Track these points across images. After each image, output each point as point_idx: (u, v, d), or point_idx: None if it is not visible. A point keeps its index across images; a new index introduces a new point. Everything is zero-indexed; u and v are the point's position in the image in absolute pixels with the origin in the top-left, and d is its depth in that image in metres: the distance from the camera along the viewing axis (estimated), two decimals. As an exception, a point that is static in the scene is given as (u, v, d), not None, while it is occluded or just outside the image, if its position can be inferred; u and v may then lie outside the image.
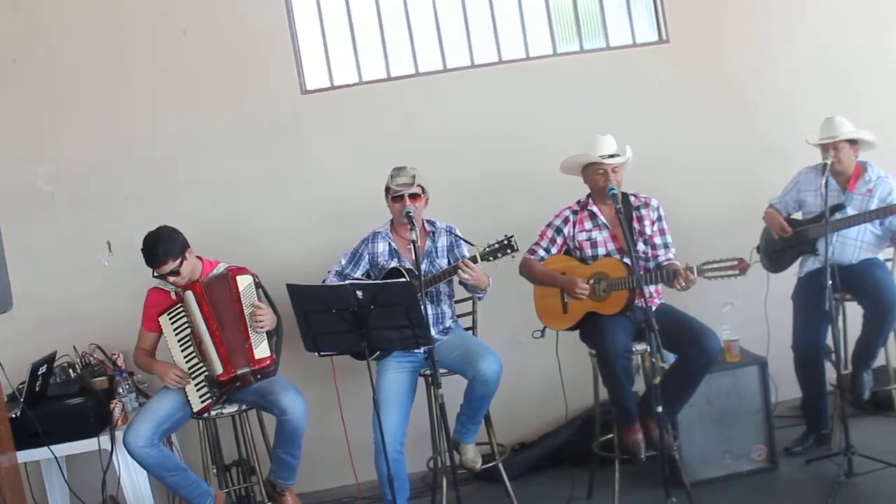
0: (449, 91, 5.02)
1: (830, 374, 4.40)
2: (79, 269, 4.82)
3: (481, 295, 4.18)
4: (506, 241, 3.86)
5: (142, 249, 3.89)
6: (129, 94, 4.83)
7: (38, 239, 4.75)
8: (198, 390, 3.91)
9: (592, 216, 4.16)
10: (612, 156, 4.01)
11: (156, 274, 3.91)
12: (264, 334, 3.90)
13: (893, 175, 4.31)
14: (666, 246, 4.12)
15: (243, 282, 3.92)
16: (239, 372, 3.85)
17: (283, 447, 3.95)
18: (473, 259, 3.88)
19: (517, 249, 3.88)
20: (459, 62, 5.12)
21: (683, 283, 3.79)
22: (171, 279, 3.91)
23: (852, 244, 4.32)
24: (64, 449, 4.00)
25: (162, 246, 3.85)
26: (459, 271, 3.88)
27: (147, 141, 4.84)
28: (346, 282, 3.86)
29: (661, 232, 4.13)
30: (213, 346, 3.87)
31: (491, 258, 3.87)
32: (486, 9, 5.13)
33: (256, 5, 4.92)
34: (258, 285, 3.97)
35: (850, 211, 4.25)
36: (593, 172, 4.07)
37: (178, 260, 3.88)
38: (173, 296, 4.01)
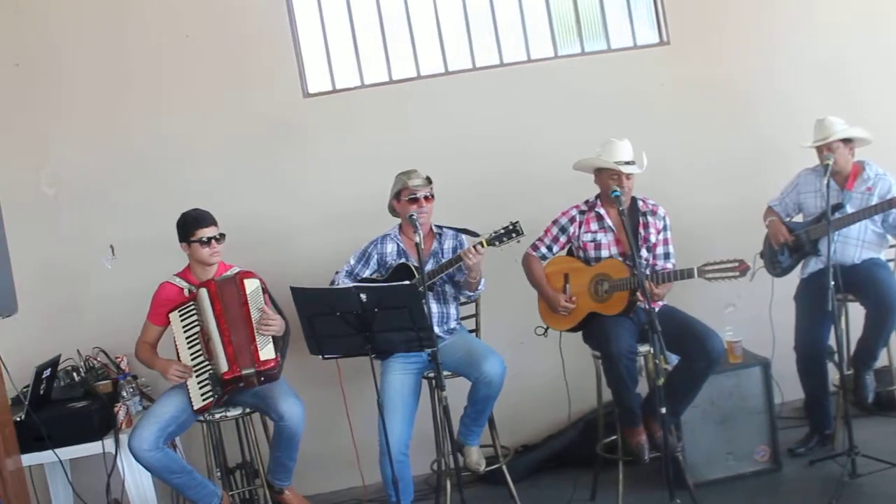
0: (450, 94, 5.03)
1: (833, 374, 4.40)
2: (82, 272, 4.83)
3: (473, 294, 4.22)
4: (511, 227, 3.86)
5: (181, 222, 4.03)
6: (131, 97, 4.84)
7: (41, 242, 4.75)
8: (200, 388, 3.90)
9: (599, 218, 4.16)
10: (628, 162, 4.01)
11: (196, 238, 3.97)
12: (270, 338, 3.90)
13: (892, 173, 4.32)
14: (667, 256, 4.13)
15: (250, 285, 3.94)
16: (244, 372, 3.85)
17: (280, 451, 3.97)
18: (480, 244, 3.89)
19: (523, 234, 3.87)
20: (461, 65, 5.13)
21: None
22: (215, 247, 4.00)
23: (854, 243, 4.32)
24: (68, 452, 4.00)
25: (207, 211, 4.03)
26: (467, 255, 3.87)
27: (150, 144, 4.85)
28: (350, 284, 3.88)
29: (665, 242, 4.14)
30: (222, 345, 3.86)
31: (497, 243, 3.87)
32: (487, 11, 5.14)
33: (258, 10, 4.93)
34: (265, 290, 3.99)
35: (850, 210, 4.25)
36: (607, 176, 4.06)
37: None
38: (186, 293, 4.03)
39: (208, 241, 3.98)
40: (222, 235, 4.05)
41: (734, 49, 5.12)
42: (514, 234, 3.86)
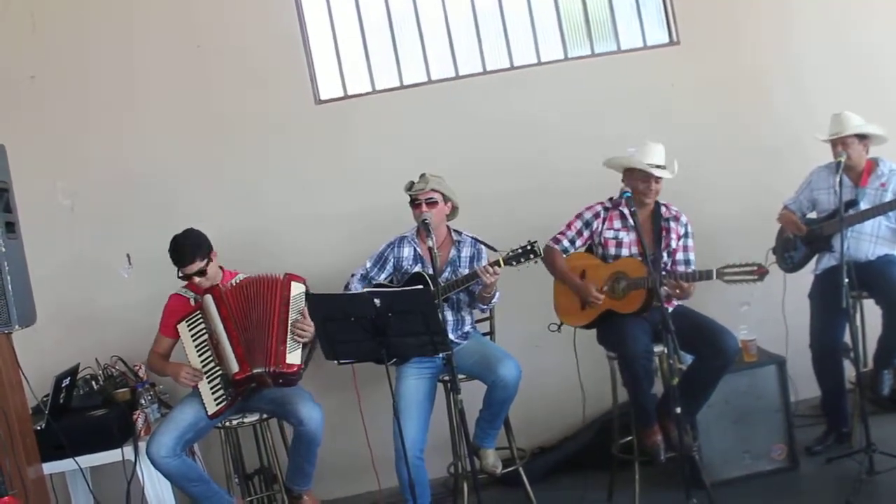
0: (461, 97, 5.04)
1: (850, 371, 4.38)
2: (99, 281, 4.88)
3: (486, 307, 4.24)
4: (529, 247, 3.88)
5: (169, 250, 3.98)
6: (144, 108, 4.89)
7: (59, 253, 4.81)
8: (213, 392, 3.93)
9: (623, 217, 4.15)
10: (658, 166, 4.01)
11: (181, 274, 3.97)
12: (300, 344, 3.93)
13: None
14: (687, 262, 4.11)
15: (296, 289, 3.98)
16: (255, 370, 3.87)
17: (300, 456, 3.98)
18: (497, 263, 3.91)
19: (540, 255, 3.90)
20: (471, 69, 5.15)
21: (677, 291, 3.81)
22: (197, 280, 3.98)
23: (868, 239, 4.30)
24: (88, 460, 4.03)
25: (191, 245, 3.96)
26: (485, 273, 3.89)
27: (164, 154, 4.89)
28: (364, 290, 3.90)
29: (685, 248, 4.13)
30: (231, 346, 3.89)
31: (514, 263, 3.90)
32: (497, 15, 5.16)
33: (269, 19, 4.96)
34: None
35: (864, 206, 4.23)
36: (636, 177, 4.06)
37: (205, 261, 3.98)
38: (192, 303, 4.07)
39: (193, 276, 3.99)
40: (208, 263, 4.00)
41: (744, 47, 5.12)
42: (531, 256, 3.88)
